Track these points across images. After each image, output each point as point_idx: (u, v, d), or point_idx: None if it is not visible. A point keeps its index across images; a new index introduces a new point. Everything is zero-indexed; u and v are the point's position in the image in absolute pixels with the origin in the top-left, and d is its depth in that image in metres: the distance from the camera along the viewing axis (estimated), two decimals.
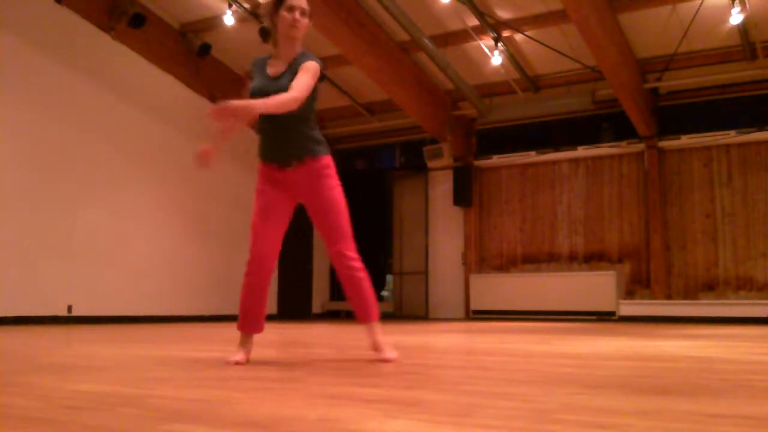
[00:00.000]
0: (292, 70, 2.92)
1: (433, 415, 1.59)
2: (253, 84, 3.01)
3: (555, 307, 10.49)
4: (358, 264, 3.02)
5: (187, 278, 10.22)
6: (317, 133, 3.04)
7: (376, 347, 3.08)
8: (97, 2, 9.22)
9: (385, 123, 12.29)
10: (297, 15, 2.94)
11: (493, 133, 11.82)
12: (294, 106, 2.78)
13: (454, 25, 9.59)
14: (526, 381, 2.33)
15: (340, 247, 3.00)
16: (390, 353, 3.05)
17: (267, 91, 2.88)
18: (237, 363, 2.88)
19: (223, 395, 1.96)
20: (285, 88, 2.82)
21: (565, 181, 11.25)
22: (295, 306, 12.14)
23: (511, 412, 1.65)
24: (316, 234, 12.73)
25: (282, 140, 2.97)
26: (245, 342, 3.01)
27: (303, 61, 2.92)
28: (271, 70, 3.01)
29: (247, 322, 3.01)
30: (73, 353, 3.76)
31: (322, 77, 2.97)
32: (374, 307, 3.07)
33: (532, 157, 11.40)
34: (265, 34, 3.09)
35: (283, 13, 2.94)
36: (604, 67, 9.04)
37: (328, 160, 3.02)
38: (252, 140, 13.57)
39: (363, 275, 3.02)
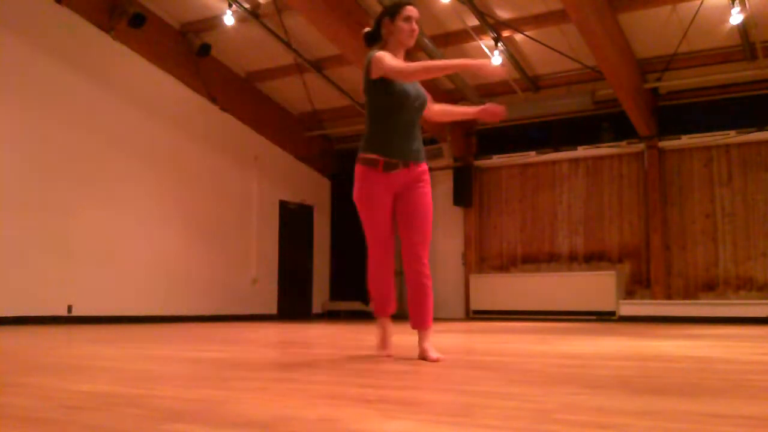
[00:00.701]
0: None
1: (433, 415, 1.59)
2: (396, 85, 3.08)
3: (555, 307, 10.49)
4: (428, 272, 3.14)
5: (187, 278, 10.22)
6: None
7: (423, 352, 3.13)
8: (97, 2, 9.23)
9: None
10: (414, 25, 3.12)
11: (493, 133, 11.81)
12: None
13: (454, 25, 9.59)
14: (526, 381, 2.33)
15: (418, 250, 3.10)
16: (435, 354, 3.10)
17: (416, 94, 3.11)
18: (388, 356, 3.16)
19: (223, 395, 1.96)
20: (424, 92, 3.17)
21: (565, 181, 11.24)
22: (295, 306, 12.14)
23: (511, 412, 1.65)
24: (316, 234, 12.82)
25: (405, 141, 3.09)
26: (384, 327, 3.26)
27: None
28: None
29: (382, 307, 3.27)
30: (73, 353, 3.76)
31: None
32: (431, 316, 3.16)
33: (532, 157, 11.39)
34: (372, 39, 3.21)
35: (400, 23, 3.11)
36: (604, 67, 9.04)
37: (426, 167, 3.18)
38: (262, 147, 13.47)
39: (430, 284, 3.14)
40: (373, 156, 3.06)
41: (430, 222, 3.14)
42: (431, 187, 3.21)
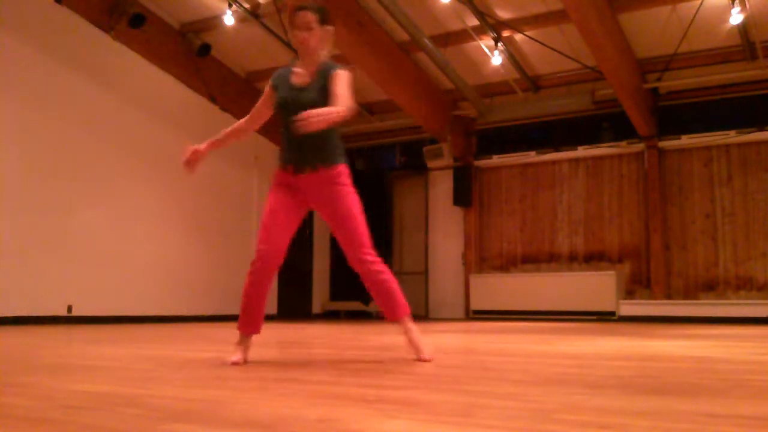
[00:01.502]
0: (319, 81, 2.97)
1: (433, 415, 1.59)
2: (279, 95, 3.04)
3: (555, 307, 10.49)
4: (378, 266, 3.03)
5: (188, 278, 10.22)
6: (335, 141, 3.05)
7: (411, 345, 3.08)
8: (97, 2, 9.22)
9: (385, 123, 12.28)
10: (297, 32, 3.00)
11: (493, 133, 11.81)
12: (349, 116, 2.85)
13: (454, 25, 9.59)
14: (526, 381, 2.33)
15: (357, 253, 3.01)
16: (427, 354, 3.05)
17: (294, 101, 2.95)
18: (234, 363, 2.88)
19: (223, 395, 1.96)
20: (312, 98, 2.90)
21: (565, 181, 11.24)
22: (295, 306, 12.14)
23: (511, 412, 1.65)
24: (316, 234, 12.84)
25: (300, 146, 2.99)
26: (243, 342, 3.01)
27: (330, 71, 2.96)
28: (296, 80, 3.05)
29: (246, 322, 3.01)
30: (74, 353, 3.76)
31: None
32: (401, 304, 3.08)
33: (532, 157, 11.39)
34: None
35: (293, 31, 3.03)
36: (604, 67, 9.04)
37: (341, 168, 3.02)
38: (262, 147, 13.54)
39: (385, 276, 3.04)
40: (282, 164, 3.06)
41: (358, 220, 3.01)
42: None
